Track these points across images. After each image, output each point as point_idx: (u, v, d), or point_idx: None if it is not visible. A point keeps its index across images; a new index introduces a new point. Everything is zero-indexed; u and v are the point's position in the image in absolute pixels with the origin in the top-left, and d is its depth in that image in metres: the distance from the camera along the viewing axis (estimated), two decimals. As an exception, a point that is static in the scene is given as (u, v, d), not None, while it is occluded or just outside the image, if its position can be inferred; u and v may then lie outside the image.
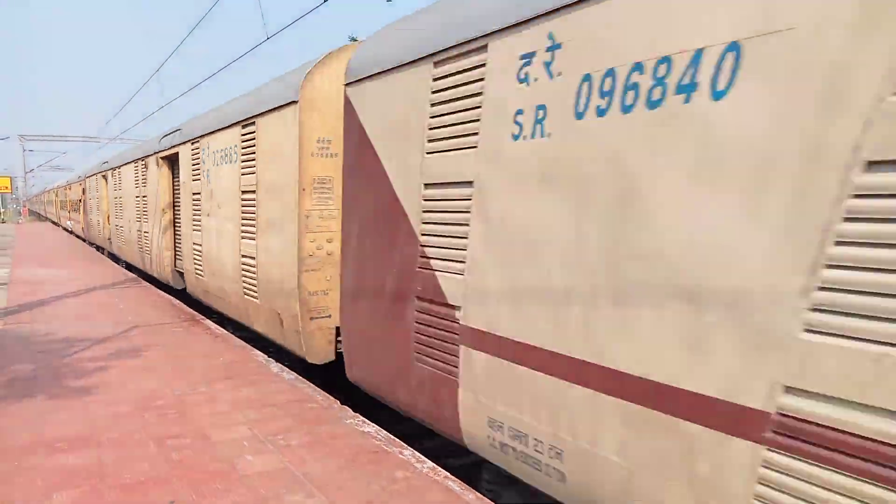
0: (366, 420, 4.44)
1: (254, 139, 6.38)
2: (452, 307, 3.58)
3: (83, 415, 4.41)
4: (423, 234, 3.85)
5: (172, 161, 10.07)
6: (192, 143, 8.58)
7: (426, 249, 3.81)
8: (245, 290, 6.81)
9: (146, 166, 11.45)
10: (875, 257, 1.81)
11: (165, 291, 10.73)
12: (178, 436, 4.05)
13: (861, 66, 1.83)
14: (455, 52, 3.52)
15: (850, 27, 1.84)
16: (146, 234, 11.70)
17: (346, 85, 4.77)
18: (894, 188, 1.75)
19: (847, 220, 1.86)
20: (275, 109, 5.87)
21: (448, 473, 3.56)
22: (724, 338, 2.19)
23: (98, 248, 20.23)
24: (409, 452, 3.85)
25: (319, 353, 5.61)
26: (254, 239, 6.49)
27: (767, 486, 2.07)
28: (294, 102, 5.44)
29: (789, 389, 2.00)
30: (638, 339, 2.50)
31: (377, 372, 4.49)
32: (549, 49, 2.93)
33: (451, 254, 3.60)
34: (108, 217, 16.71)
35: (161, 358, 6.07)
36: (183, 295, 9.94)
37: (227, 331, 7.55)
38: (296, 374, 5.58)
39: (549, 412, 2.95)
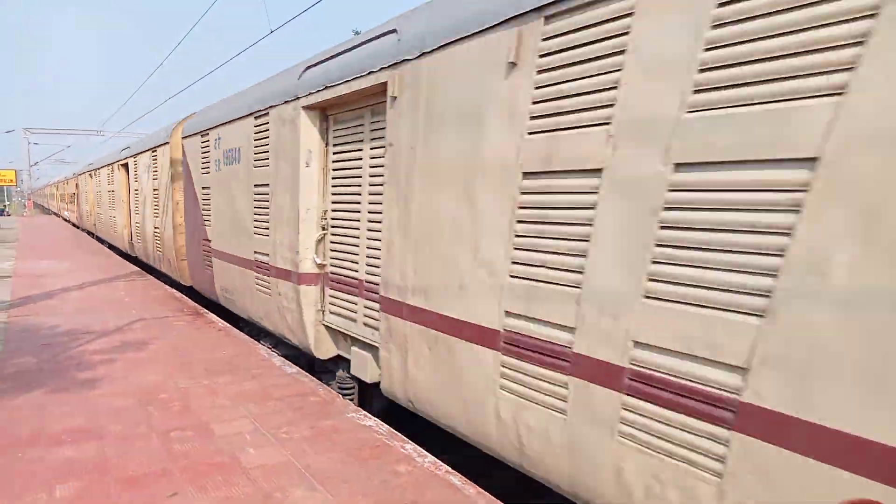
0: (367, 414, 4.45)
1: (156, 159, 10.65)
2: (209, 241, 7.96)
3: (86, 407, 4.42)
4: (202, 208, 8.20)
5: (126, 167, 14.40)
6: (133, 158, 13.00)
7: (203, 216, 8.17)
8: (156, 247, 11.34)
9: (112, 170, 16.06)
10: (266, 223, 6.08)
11: (170, 285, 10.76)
12: (180, 429, 4.06)
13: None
14: (202, 133, 7.97)
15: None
16: (115, 219, 16.24)
17: (182, 138, 9.13)
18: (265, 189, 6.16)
19: (256, 207, 6.33)
20: (162, 144, 10.14)
21: (449, 468, 3.56)
22: (247, 240, 6.52)
23: (89, 234, 23.50)
24: (410, 447, 3.85)
25: (187, 279, 9.63)
26: (158, 217, 10.81)
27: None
28: (167, 143, 9.72)
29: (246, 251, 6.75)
30: (240, 243, 6.74)
31: (198, 280, 8.92)
32: (220, 138, 7.28)
33: (208, 217, 7.95)
34: (94, 207, 21.02)
35: (164, 351, 6.09)
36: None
37: (218, 316, 7.57)
38: (297, 368, 5.59)
39: (232, 279, 7.22)
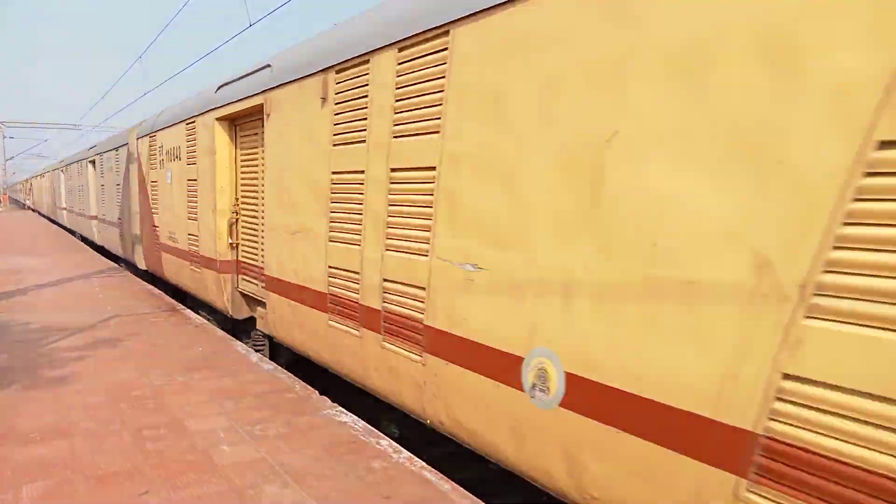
0: (343, 410, 4.44)
1: (45, 177, 31.94)
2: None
3: (58, 405, 4.35)
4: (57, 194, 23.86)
5: (44, 176, 31.97)
6: (45, 174, 30.61)
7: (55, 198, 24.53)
8: (51, 209, 27.94)
9: (41, 178, 32.46)
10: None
11: (148, 282, 10.63)
12: (153, 426, 4.02)
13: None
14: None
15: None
16: (44, 200, 32.94)
17: (45, 174, 31.34)
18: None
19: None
20: (49, 171, 29.95)
21: (424, 463, 3.57)
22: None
23: (38, 213, 36.94)
24: (385, 443, 3.85)
25: (44, 211, 30.34)
26: (48, 199, 29.18)
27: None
28: (47, 173, 31.41)
29: None
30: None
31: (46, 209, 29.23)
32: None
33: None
34: (38, 197, 37.92)
35: (139, 348, 6.01)
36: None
37: (203, 316, 7.50)
38: (275, 365, 5.56)
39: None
